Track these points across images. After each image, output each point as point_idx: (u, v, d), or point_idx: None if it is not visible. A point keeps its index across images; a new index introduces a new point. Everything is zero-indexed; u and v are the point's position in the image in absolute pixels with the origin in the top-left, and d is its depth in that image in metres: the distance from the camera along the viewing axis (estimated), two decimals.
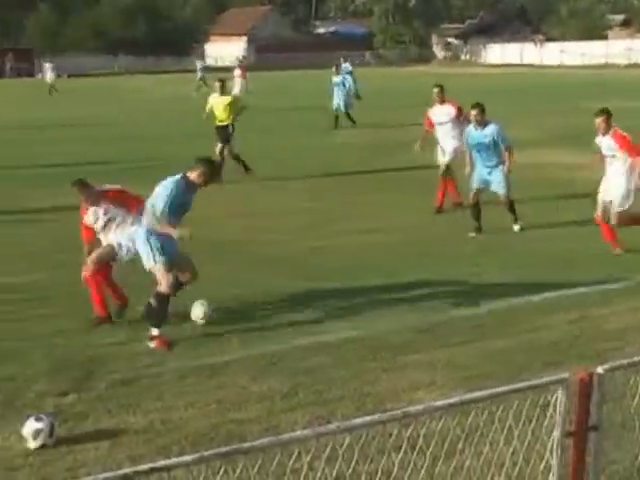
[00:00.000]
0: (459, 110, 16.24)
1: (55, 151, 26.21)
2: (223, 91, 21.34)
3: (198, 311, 10.06)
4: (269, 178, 20.24)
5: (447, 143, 16.21)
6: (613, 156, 12.89)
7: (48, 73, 57.08)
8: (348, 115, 32.44)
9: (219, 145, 20.67)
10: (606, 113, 12.90)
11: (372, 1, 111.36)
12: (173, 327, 9.84)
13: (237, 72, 42.59)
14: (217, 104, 21.12)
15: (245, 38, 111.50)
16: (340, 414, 7.55)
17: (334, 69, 35.31)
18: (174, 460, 3.36)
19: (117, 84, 59.68)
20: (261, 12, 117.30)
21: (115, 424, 7.49)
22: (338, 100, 32.53)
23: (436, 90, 16.53)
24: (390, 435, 5.41)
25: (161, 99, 49.18)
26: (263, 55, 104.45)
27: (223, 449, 3.45)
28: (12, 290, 11.59)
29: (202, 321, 10.04)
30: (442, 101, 16.46)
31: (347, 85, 33.06)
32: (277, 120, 34.74)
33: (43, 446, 7.01)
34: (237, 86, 40.99)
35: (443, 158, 16.31)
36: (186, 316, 10.15)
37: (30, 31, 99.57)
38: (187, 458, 3.33)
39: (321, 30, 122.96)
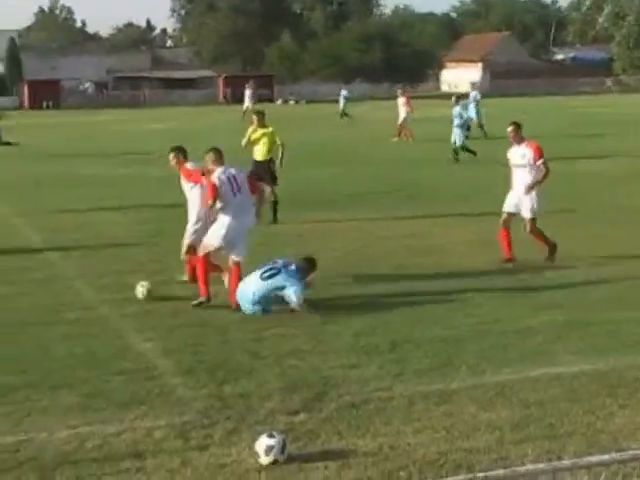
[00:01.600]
0: None
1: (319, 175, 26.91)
2: (260, 122, 18.84)
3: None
4: None
5: None
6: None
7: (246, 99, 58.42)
8: (464, 148, 30.33)
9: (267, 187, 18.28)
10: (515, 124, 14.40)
11: (613, 26, 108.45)
12: (399, 353, 9.89)
13: (401, 100, 40.35)
14: (255, 137, 18.80)
15: (480, 64, 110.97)
16: (572, 450, 7.31)
17: (453, 100, 33.28)
18: None
19: (351, 110, 60.52)
20: (498, 38, 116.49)
21: (344, 445, 7.56)
22: (455, 134, 30.74)
23: None
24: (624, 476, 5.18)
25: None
26: (498, 81, 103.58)
27: (457, 477, 3.41)
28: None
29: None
30: None
31: (464, 117, 31.40)
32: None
33: (275, 462, 7.17)
34: (402, 115, 39.22)
35: None
36: (414, 342, 10.20)
37: (270, 59, 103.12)
38: None
39: (560, 56, 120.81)
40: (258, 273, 11.67)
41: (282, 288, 11.50)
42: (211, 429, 7.93)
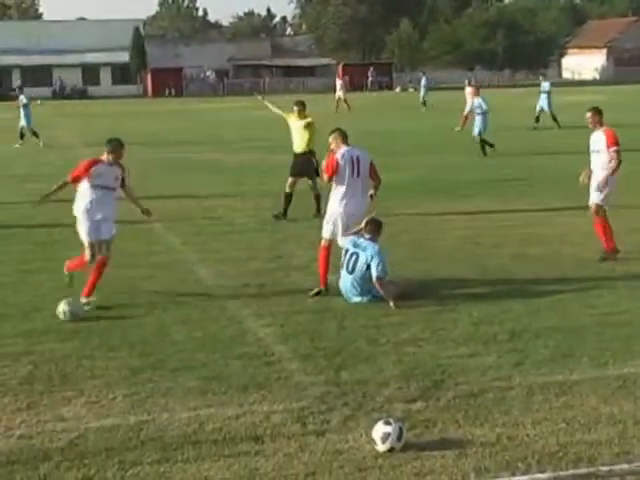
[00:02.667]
0: None
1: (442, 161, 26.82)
2: (300, 113, 18.23)
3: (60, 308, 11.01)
4: None
5: None
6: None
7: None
8: (483, 142, 29.19)
9: (308, 182, 18.05)
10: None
11: None
12: (518, 343, 9.77)
13: (468, 90, 38.90)
14: (295, 128, 18.27)
15: (604, 51, 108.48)
16: None
17: (469, 90, 32.33)
18: (528, 477, 3.29)
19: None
20: (623, 24, 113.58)
21: (462, 435, 7.50)
22: (477, 126, 29.66)
23: None
24: None
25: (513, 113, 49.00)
26: (622, 68, 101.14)
27: (579, 471, 3.34)
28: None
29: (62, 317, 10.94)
30: None
31: (484, 108, 29.78)
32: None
33: (391, 450, 7.16)
34: (468, 104, 36.50)
35: None
36: (533, 332, 10.07)
37: (390, 46, 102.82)
38: (541, 476, 3.26)
39: None
40: (344, 270, 11.68)
41: (369, 267, 11.46)
42: (328, 415, 7.96)
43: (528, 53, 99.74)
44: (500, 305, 11.26)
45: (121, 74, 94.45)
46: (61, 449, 7.41)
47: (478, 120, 29.73)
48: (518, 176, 23.08)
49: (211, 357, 9.56)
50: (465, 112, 35.66)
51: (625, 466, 3.65)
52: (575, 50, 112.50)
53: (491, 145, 29.01)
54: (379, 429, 7.25)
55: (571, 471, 3.46)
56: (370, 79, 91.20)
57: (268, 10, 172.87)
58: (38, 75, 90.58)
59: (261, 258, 14.25)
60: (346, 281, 11.68)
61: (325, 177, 12.28)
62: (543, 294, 11.72)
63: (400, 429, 7.23)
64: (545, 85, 39.52)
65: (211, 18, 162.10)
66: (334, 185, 12.22)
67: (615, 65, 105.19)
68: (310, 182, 17.94)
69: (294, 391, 8.56)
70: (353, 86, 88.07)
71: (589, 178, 13.86)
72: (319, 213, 16.86)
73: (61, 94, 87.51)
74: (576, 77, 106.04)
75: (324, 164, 12.39)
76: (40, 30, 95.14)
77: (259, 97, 20.86)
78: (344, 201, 12.07)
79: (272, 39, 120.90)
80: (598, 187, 13.69)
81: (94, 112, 59.97)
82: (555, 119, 37.86)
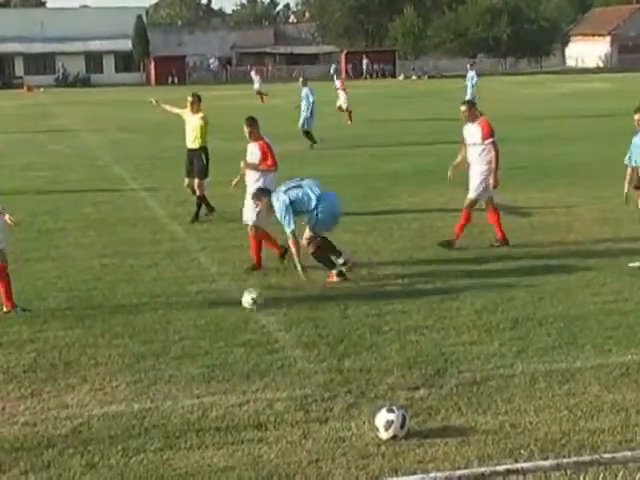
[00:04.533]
0: None
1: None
2: (194, 107, 17.21)
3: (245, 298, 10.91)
4: None
5: None
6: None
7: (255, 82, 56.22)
8: (307, 134, 29.06)
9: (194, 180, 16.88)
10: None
11: None
12: (521, 331, 9.78)
13: (337, 84, 37.42)
14: (189, 122, 17.27)
15: (608, 38, 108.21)
16: None
17: (300, 81, 31.25)
18: (531, 464, 3.30)
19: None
20: (627, 11, 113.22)
21: (464, 422, 7.52)
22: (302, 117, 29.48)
23: None
24: None
25: (517, 101, 48.92)
26: (626, 56, 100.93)
27: (582, 458, 3.35)
28: (370, 281, 11.96)
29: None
30: None
31: (311, 100, 29.44)
32: None
33: (394, 437, 7.18)
34: (341, 98, 36.43)
35: None
36: (537, 320, 10.09)
37: (393, 34, 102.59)
38: (544, 463, 3.26)
39: None
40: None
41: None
42: (331, 402, 7.98)
43: (531, 41, 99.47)
44: (503, 293, 11.27)
45: (124, 62, 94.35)
46: (65, 436, 7.43)
47: (304, 109, 29.44)
48: (520, 164, 23.03)
49: (214, 345, 9.57)
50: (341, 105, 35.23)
51: (628, 453, 3.65)
52: (579, 38, 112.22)
53: (314, 141, 28.78)
54: (382, 416, 7.26)
55: (574, 458, 3.46)
56: (365, 67, 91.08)
57: None
58: (41, 63, 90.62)
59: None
60: None
61: (272, 165, 12.94)
62: (546, 282, 11.72)
63: (403, 417, 7.24)
64: (471, 75, 38.96)
65: (214, 6, 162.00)
66: (268, 172, 12.86)
67: (619, 53, 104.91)
68: (197, 181, 16.79)
69: (297, 379, 8.58)
70: (355, 74, 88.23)
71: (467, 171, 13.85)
72: (197, 218, 16.42)
73: (64, 82, 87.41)
74: (580, 65, 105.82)
75: (261, 155, 12.92)
76: (43, 17, 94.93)
77: (153, 102, 19.97)
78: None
79: (275, 26, 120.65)
80: (479, 181, 13.70)
81: (98, 100, 59.91)
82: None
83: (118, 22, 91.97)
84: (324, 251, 11.97)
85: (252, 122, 13.16)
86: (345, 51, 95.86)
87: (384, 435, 7.21)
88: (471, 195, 13.82)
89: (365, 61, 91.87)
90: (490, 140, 13.56)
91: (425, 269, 12.57)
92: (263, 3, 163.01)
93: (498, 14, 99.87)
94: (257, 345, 9.54)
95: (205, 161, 16.93)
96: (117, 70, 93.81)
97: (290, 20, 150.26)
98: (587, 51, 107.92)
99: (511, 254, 13.39)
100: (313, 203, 11.79)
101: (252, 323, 10.35)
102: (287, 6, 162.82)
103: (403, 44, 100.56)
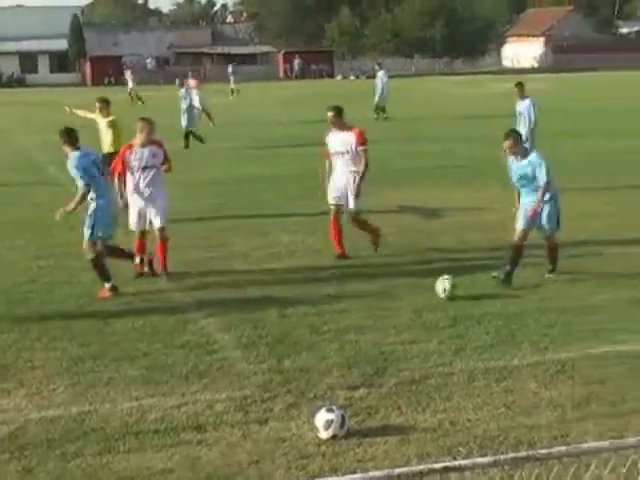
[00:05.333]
0: None
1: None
2: (103, 111, 17.28)
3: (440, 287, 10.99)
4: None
5: None
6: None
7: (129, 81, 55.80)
8: (191, 134, 28.97)
9: None
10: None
11: None
12: (460, 329, 9.87)
13: (192, 82, 35.18)
14: (100, 126, 17.41)
15: (542, 39, 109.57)
16: (634, 428, 7.24)
17: (177, 83, 31.62)
18: (469, 461, 3.33)
19: (413, 86, 60.45)
20: (561, 12, 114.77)
21: (404, 421, 7.57)
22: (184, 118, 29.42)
23: None
24: None
25: (455, 101, 49.33)
26: (561, 56, 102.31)
27: (519, 454, 3.39)
28: (310, 282, 11.98)
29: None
30: None
31: (189, 100, 29.58)
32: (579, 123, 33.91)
33: (334, 437, 7.19)
34: (195, 98, 33.89)
35: None
36: (475, 319, 10.19)
37: (331, 34, 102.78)
38: (482, 460, 3.30)
39: (624, 30, 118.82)
40: None
41: None
42: (271, 403, 7.98)
43: (467, 41, 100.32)
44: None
45: (59, 62, 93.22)
46: (1, 441, 7.33)
47: (189, 114, 29.53)
48: (455, 164, 23.23)
49: (153, 347, 9.51)
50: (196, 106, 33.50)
51: (563, 448, 3.70)
52: (514, 38, 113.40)
53: (201, 140, 28.80)
54: (322, 416, 7.27)
55: (511, 455, 3.51)
56: (297, 67, 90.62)
57: None
58: None
59: (201, 247, 14.19)
60: None
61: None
62: (484, 281, 11.82)
63: (343, 416, 7.26)
64: (381, 74, 38.94)
65: (151, 5, 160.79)
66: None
67: (553, 53, 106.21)
68: None
69: (236, 379, 8.56)
70: (294, 73, 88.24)
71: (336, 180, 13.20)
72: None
73: None
74: (515, 65, 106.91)
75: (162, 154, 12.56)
76: None
77: (67, 110, 19.79)
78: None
79: (213, 27, 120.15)
80: (355, 192, 13.06)
81: (33, 100, 59.12)
82: (382, 109, 37.80)
83: (53, 21, 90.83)
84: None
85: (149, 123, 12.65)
86: (282, 51, 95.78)
87: (324, 435, 7.22)
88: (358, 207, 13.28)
89: (297, 61, 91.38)
90: (363, 148, 13.13)
91: (365, 268, 12.61)
92: (200, 3, 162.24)
93: (434, 15, 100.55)
94: (196, 346, 9.50)
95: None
96: (52, 70, 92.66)
97: (228, 20, 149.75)
98: (522, 51, 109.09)
99: (449, 253, 13.49)
100: None
101: (191, 324, 10.30)
102: (224, 6, 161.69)
103: (340, 44, 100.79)
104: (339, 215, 13.32)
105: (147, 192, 12.41)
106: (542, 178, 11.45)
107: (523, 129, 18.53)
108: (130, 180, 12.46)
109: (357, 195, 13.12)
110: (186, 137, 28.84)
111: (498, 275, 11.62)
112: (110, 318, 10.54)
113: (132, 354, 9.30)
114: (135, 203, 12.48)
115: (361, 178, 13.16)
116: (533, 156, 11.77)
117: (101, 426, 7.57)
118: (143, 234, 12.60)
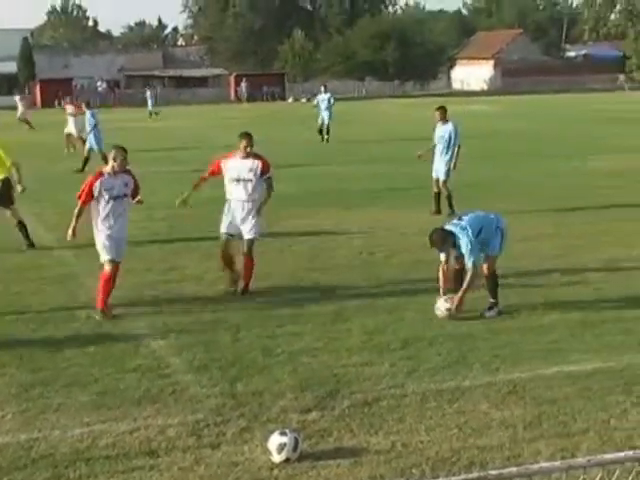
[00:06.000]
0: None
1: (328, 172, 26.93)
2: None
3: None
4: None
5: None
6: None
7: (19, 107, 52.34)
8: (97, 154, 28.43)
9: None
10: None
11: (626, 23, 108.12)
12: (412, 351, 9.90)
13: (69, 109, 34.25)
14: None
15: (492, 62, 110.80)
16: (585, 447, 7.32)
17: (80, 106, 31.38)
18: None
19: (364, 108, 60.70)
20: (509, 35, 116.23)
21: (357, 443, 7.56)
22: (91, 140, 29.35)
23: None
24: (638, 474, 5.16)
25: (404, 122, 49.66)
26: (510, 79, 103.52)
27: (471, 475, 3.40)
28: (262, 304, 11.95)
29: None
30: None
31: (93, 123, 29.42)
32: (531, 146, 34.27)
33: (287, 460, 7.17)
34: (71, 125, 33.72)
35: None
36: (427, 340, 10.22)
37: (283, 56, 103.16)
38: None
39: (572, 53, 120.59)
40: None
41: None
42: (224, 427, 7.94)
43: (418, 64, 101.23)
44: (393, 314, 11.38)
45: (8, 85, 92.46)
46: None
47: (93, 135, 29.50)
48: (410, 185, 23.34)
49: (104, 371, 9.42)
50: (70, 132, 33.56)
51: (514, 469, 3.73)
52: (464, 61, 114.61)
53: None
54: (275, 440, 7.25)
55: (463, 476, 3.52)
56: (244, 91, 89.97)
57: (159, 20, 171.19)
58: None
59: (155, 270, 14.13)
60: None
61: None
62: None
63: (296, 439, 7.24)
64: (327, 96, 38.97)
65: (101, 28, 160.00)
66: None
67: (502, 76, 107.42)
68: (8, 212, 16.30)
69: (189, 404, 8.51)
70: (242, 96, 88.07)
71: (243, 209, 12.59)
72: (31, 245, 16.06)
73: None
74: (465, 88, 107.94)
75: (133, 184, 12.09)
76: None
77: None
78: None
79: (164, 49, 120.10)
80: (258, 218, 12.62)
81: None
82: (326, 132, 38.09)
83: (2, 44, 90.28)
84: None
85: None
86: (234, 74, 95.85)
87: (277, 458, 7.19)
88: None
89: (244, 84, 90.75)
90: (269, 174, 12.62)
91: (316, 291, 12.62)
92: (151, 26, 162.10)
93: (386, 38, 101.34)
94: (148, 370, 9.43)
95: (6, 189, 16.18)
96: (1, 93, 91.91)
97: (179, 43, 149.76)
98: (472, 74, 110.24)
99: (402, 274, 13.53)
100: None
101: (142, 348, 10.23)
102: (175, 29, 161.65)
103: (293, 67, 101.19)
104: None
105: (118, 223, 11.80)
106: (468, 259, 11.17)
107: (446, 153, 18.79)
108: (99, 209, 11.81)
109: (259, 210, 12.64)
110: (104, 159, 28.55)
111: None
112: (60, 343, 10.43)
113: (83, 379, 9.20)
114: (103, 233, 11.78)
115: (264, 202, 12.67)
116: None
117: (50, 453, 7.48)
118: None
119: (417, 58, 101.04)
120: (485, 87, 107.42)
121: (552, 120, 48.69)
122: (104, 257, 11.79)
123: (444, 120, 19.25)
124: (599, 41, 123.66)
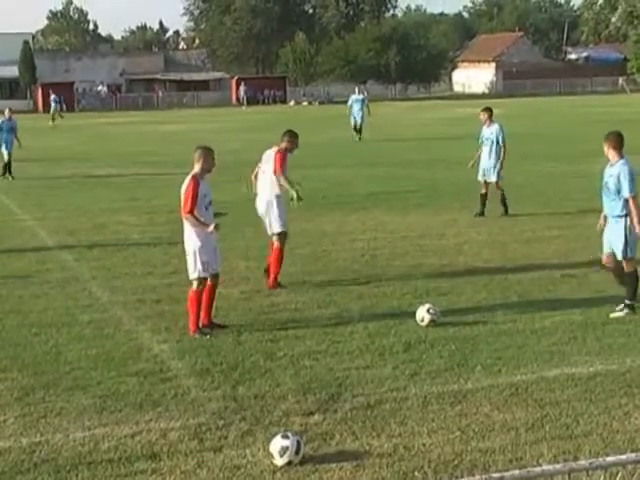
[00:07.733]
0: None
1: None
2: None
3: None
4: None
5: None
6: None
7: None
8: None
9: None
10: None
11: (627, 25, 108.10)
12: (414, 354, 9.89)
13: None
14: None
15: (493, 65, 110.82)
16: (588, 450, 7.30)
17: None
18: None
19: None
20: (511, 38, 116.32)
21: (359, 446, 7.55)
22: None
23: None
24: None
25: (409, 126, 49.65)
26: (511, 81, 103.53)
27: (474, 478, 3.39)
28: (264, 307, 11.94)
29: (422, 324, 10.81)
30: None
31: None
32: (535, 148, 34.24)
33: (289, 463, 7.16)
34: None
35: None
36: (428, 343, 10.22)
37: (284, 60, 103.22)
38: None
39: (573, 56, 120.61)
40: None
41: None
42: (226, 430, 7.93)
43: (420, 67, 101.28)
44: (395, 316, 11.37)
45: (10, 89, 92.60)
46: None
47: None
48: (412, 188, 23.36)
49: (106, 375, 9.42)
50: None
51: (516, 472, 3.72)
52: (465, 64, 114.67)
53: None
54: (277, 443, 7.24)
55: (465, 479, 3.52)
56: (243, 94, 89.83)
57: (160, 24, 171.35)
58: None
59: (157, 274, 14.13)
60: None
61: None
62: (437, 305, 11.86)
63: (298, 442, 7.23)
64: (355, 97, 40.07)
65: (102, 32, 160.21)
66: None
67: (503, 79, 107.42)
68: None
69: (191, 407, 8.50)
70: (248, 99, 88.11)
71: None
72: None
73: None
74: (467, 90, 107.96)
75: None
76: None
77: None
78: None
79: (165, 53, 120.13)
80: (279, 215, 13.04)
81: None
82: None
83: (3, 48, 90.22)
84: None
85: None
86: (236, 77, 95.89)
87: (279, 461, 7.19)
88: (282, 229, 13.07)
89: (243, 88, 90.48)
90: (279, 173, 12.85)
91: (318, 294, 12.61)
92: (152, 29, 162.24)
93: (387, 41, 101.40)
94: (150, 374, 9.43)
95: None
96: (3, 97, 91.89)
97: (180, 47, 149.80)
98: (473, 77, 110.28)
99: (403, 277, 13.53)
100: None
101: (145, 352, 10.22)
102: (177, 33, 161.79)
103: (294, 70, 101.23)
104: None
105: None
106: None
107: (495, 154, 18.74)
108: (201, 217, 10.74)
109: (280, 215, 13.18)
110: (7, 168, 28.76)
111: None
112: (62, 346, 10.43)
113: (85, 383, 9.20)
114: (209, 244, 10.93)
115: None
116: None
117: (52, 457, 7.47)
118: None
119: (419, 61, 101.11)
120: (486, 90, 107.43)
121: (553, 122, 48.71)
122: (208, 271, 10.98)
123: (490, 121, 19.19)
124: (600, 44, 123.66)
